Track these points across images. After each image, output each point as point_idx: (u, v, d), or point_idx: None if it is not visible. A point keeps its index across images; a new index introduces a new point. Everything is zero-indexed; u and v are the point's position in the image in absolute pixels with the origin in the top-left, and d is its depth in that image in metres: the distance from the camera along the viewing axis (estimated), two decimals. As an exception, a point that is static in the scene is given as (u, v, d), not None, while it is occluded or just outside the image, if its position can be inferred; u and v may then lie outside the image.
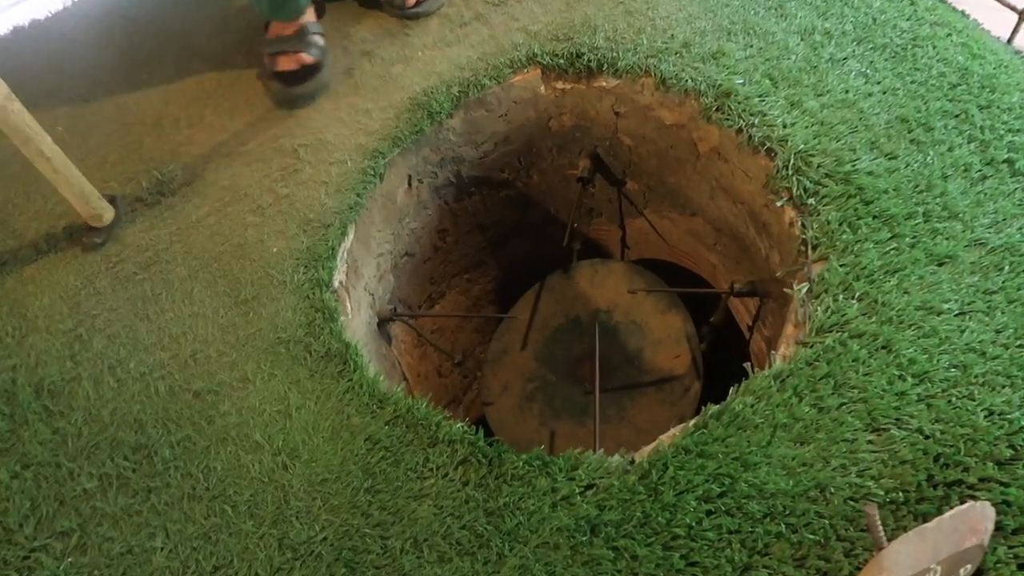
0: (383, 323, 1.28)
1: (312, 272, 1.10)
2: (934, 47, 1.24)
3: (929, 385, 0.90)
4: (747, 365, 0.97)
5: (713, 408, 0.93)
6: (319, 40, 1.34)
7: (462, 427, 0.94)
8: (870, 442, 0.87)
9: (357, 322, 1.16)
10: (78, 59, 1.45)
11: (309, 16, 1.35)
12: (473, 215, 1.50)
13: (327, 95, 1.32)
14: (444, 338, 1.63)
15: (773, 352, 0.98)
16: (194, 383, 1.01)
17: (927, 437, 0.87)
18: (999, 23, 1.38)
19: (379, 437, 0.94)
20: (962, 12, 1.35)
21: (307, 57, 1.30)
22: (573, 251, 1.42)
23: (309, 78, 1.30)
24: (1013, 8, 1.39)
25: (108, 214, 1.15)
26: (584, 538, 0.84)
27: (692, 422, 0.93)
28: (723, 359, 1.53)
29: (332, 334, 1.03)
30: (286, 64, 1.30)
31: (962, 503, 0.83)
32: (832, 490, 0.84)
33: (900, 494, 0.83)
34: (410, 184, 1.31)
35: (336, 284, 1.11)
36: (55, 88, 1.40)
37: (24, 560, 0.89)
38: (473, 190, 1.45)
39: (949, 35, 1.26)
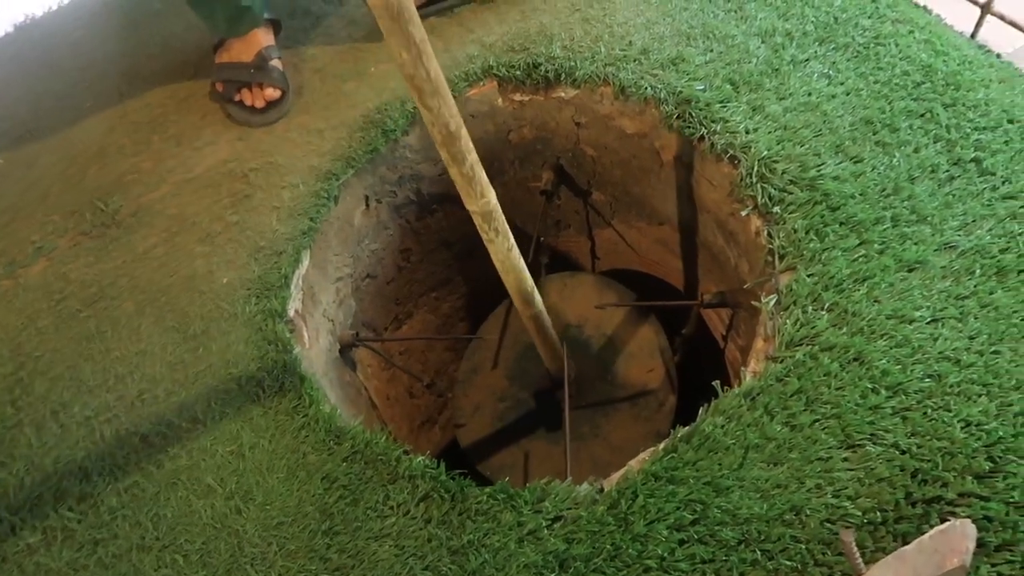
0: (345, 349, 1.23)
1: (264, 302, 1.05)
2: (896, 45, 1.22)
3: (904, 397, 0.87)
4: (716, 383, 0.94)
5: (682, 431, 0.89)
6: (279, 66, 1.29)
7: (423, 461, 0.90)
8: (845, 460, 0.84)
9: (315, 351, 1.12)
10: (20, 85, 1.40)
11: (266, 37, 1.30)
12: (437, 232, 1.47)
13: (282, 117, 1.28)
14: (414, 359, 1.59)
15: (743, 369, 0.95)
16: (141, 426, 0.96)
17: (903, 452, 0.84)
18: (962, 17, 1.36)
19: (336, 475, 0.90)
20: (924, 8, 1.32)
21: (272, 92, 1.25)
22: (541, 265, 1.38)
23: (272, 110, 1.26)
24: (975, 2, 1.37)
25: None
26: (552, 574, 0.80)
27: (661, 446, 0.89)
28: (697, 370, 1.50)
29: (286, 368, 0.99)
30: (249, 99, 1.25)
31: (942, 521, 0.80)
32: (808, 512, 0.81)
33: (878, 514, 0.80)
34: (367, 205, 1.27)
35: (291, 313, 1.07)
36: (-4, 118, 1.35)
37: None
38: (435, 207, 1.41)
39: (911, 32, 1.24)
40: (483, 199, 0.78)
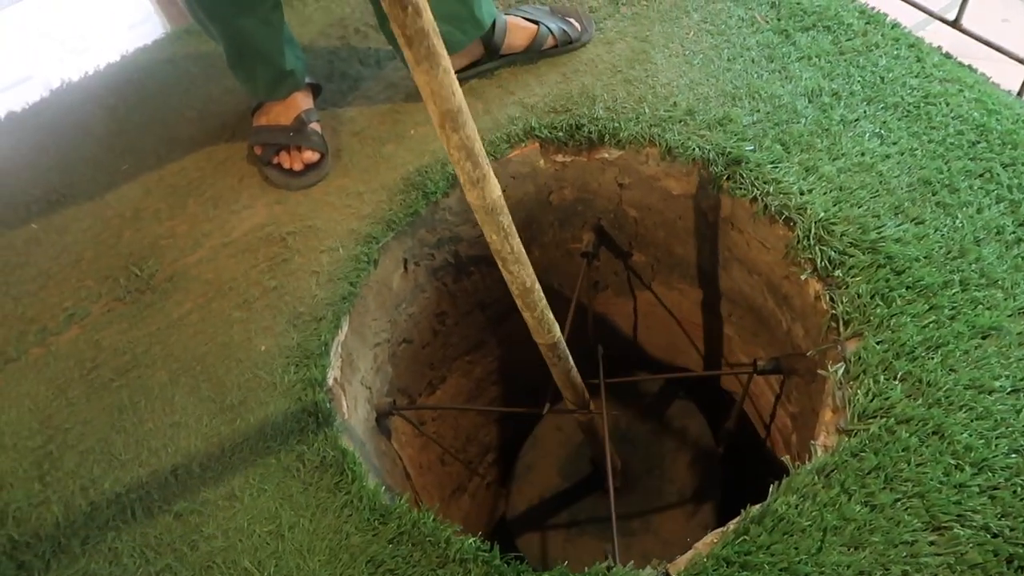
0: (382, 417, 1.18)
1: (304, 371, 1.01)
2: (947, 104, 1.19)
3: (990, 474, 0.82)
4: (786, 459, 0.88)
5: (753, 511, 0.84)
6: (318, 129, 1.27)
7: (475, 543, 0.84)
8: (932, 543, 0.78)
9: (354, 420, 1.07)
10: (55, 152, 1.39)
11: (305, 100, 1.29)
12: (472, 294, 1.43)
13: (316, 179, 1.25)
14: (446, 424, 1.54)
15: (813, 443, 0.89)
16: (175, 503, 0.91)
17: (995, 536, 0.78)
18: (1007, 76, 1.34)
19: (382, 558, 0.84)
20: (969, 67, 1.30)
21: (312, 155, 1.23)
22: (599, 356, 1.34)
23: (311, 172, 1.24)
24: (1021, 60, 1.35)
25: None
26: (620, 673, 0.74)
27: (731, 527, 0.83)
28: (738, 463, 1.49)
29: (327, 440, 0.94)
30: (288, 162, 1.23)
31: (1045, 613, 0.74)
32: (896, 603, 0.75)
33: (973, 605, 0.74)
34: (406, 268, 1.24)
35: (330, 382, 1.02)
36: (30, 183, 1.33)
37: None
38: (472, 269, 1.38)
39: (961, 91, 1.21)
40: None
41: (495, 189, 0.69)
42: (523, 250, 0.78)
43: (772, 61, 1.29)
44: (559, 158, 1.27)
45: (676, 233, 1.30)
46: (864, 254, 1.01)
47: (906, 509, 0.81)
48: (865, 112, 1.19)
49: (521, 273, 0.79)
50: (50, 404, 1.03)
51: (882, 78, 1.25)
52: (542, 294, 0.85)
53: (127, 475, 0.94)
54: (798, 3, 1.37)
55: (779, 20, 1.35)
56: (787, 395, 1.28)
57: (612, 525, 1.06)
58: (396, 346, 1.27)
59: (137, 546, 0.88)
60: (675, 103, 1.24)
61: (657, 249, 1.38)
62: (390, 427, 1.25)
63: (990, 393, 0.87)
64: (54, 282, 1.17)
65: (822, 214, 1.05)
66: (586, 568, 0.83)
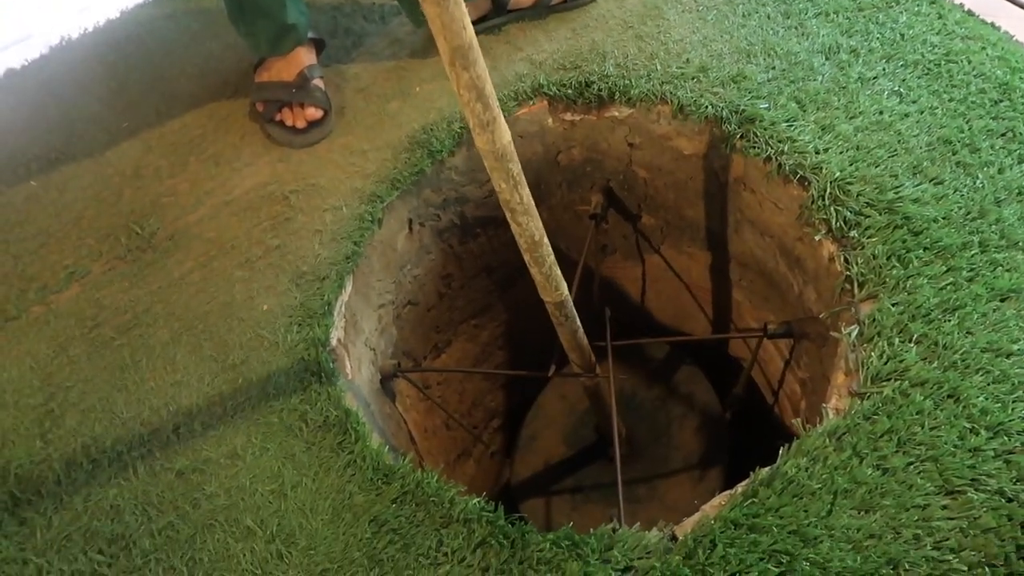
0: (386, 380, 1.17)
1: (307, 331, 0.99)
2: (969, 62, 1.15)
3: (1006, 439, 0.80)
4: (796, 422, 0.86)
5: (762, 473, 0.82)
6: (321, 85, 1.25)
7: (479, 503, 0.83)
8: (945, 507, 0.77)
9: (359, 381, 1.06)
10: (54, 109, 1.37)
11: (308, 56, 1.26)
12: (479, 257, 1.41)
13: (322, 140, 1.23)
14: (451, 389, 1.53)
15: (825, 406, 0.87)
16: (177, 461, 0.90)
17: (1010, 500, 0.76)
18: (1032, 34, 1.29)
19: (386, 518, 0.83)
20: (992, 24, 1.26)
21: (314, 112, 1.21)
22: (606, 319, 1.32)
23: (314, 130, 1.21)
24: (1047, 18, 1.31)
25: None
26: (625, 633, 0.73)
27: (739, 489, 0.82)
28: (746, 430, 1.48)
29: (330, 400, 0.93)
30: (290, 119, 1.21)
31: (1061, 579, 0.72)
32: (907, 566, 0.73)
33: (986, 569, 0.72)
34: (411, 228, 1.22)
35: (334, 342, 1.01)
36: (30, 141, 1.31)
37: None
38: (478, 231, 1.36)
39: (983, 48, 1.17)
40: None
41: (505, 134, 0.66)
42: (532, 201, 0.75)
43: (788, 17, 1.25)
44: (568, 116, 1.24)
45: (687, 195, 1.27)
46: (881, 214, 0.98)
47: (919, 473, 0.79)
48: (884, 70, 1.15)
49: (530, 225, 0.77)
50: (51, 362, 1.02)
51: (902, 35, 1.21)
52: (551, 249, 0.83)
53: (128, 433, 0.94)
54: (816, -43, 1.33)
55: (796, -25, 1.31)
56: (797, 360, 1.26)
57: (618, 491, 1.05)
58: (401, 308, 1.26)
59: (139, 503, 0.87)
60: (688, 60, 1.20)
61: (667, 211, 1.35)
62: (395, 390, 1.24)
63: (1008, 356, 0.85)
64: (54, 240, 1.16)
65: (838, 173, 1.02)
66: (591, 530, 0.82)
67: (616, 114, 1.21)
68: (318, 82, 1.24)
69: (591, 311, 1.45)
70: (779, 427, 1.41)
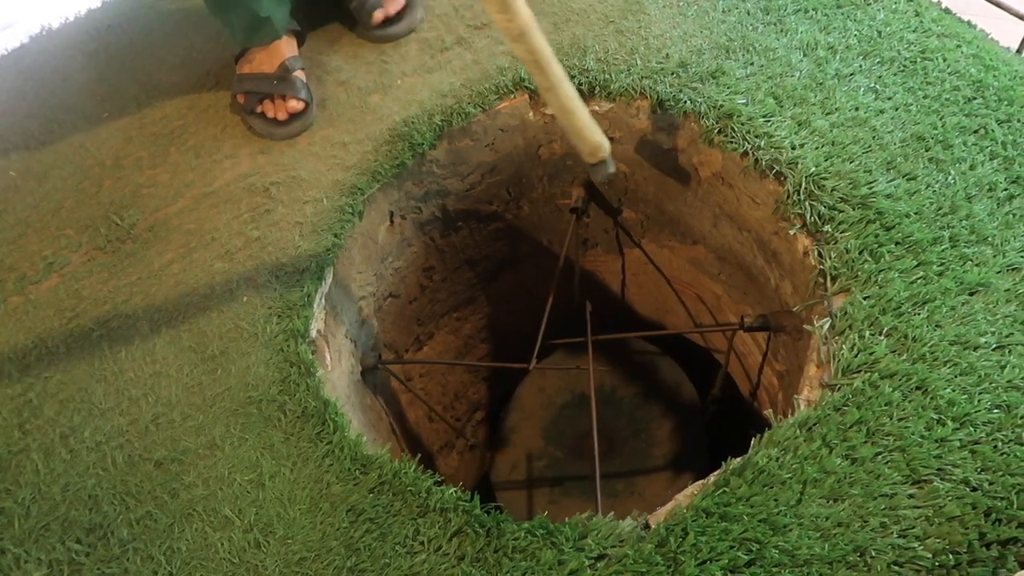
0: (367, 372, 1.18)
1: (286, 322, 1.00)
2: (944, 59, 1.17)
3: (972, 429, 0.81)
4: (769, 412, 0.88)
5: (734, 463, 0.83)
6: (302, 77, 1.25)
7: (455, 493, 0.84)
8: (911, 496, 0.78)
9: (338, 373, 1.07)
10: (34, 98, 1.36)
11: (289, 48, 1.26)
12: (461, 250, 1.41)
13: (300, 128, 1.23)
14: (434, 381, 1.53)
15: (797, 396, 0.89)
16: (155, 451, 0.91)
17: (974, 489, 0.78)
18: (1006, 33, 1.31)
19: (363, 507, 0.84)
20: (969, 23, 1.28)
21: (296, 104, 1.21)
22: (586, 313, 1.32)
23: (296, 122, 1.21)
24: (1021, 17, 1.32)
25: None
26: (597, 620, 0.74)
27: (711, 479, 0.83)
28: (725, 425, 1.50)
29: (309, 391, 0.93)
30: (272, 111, 1.21)
31: (1021, 565, 0.74)
32: (873, 554, 0.75)
33: (950, 556, 0.74)
34: (392, 221, 1.22)
35: (314, 333, 1.01)
36: (8, 130, 1.31)
37: (-39, 665, 0.78)
38: (460, 224, 1.36)
39: (959, 47, 1.19)
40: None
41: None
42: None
43: (768, 13, 1.27)
44: (549, 110, 1.25)
45: (667, 189, 1.29)
46: (854, 209, 0.99)
47: (887, 463, 0.81)
48: (860, 66, 1.17)
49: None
50: (29, 353, 1.02)
51: (879, 32, 1.22)
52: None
53: (107, 424, 0.94)
54: (796, -46, 1.34)
55: (776, -29, 1.32)
56: (774, 353, 1.27)
57: (596, 482, 1.06)
58: (382, 300, 1.26)
59: (117, 493, 0.88)
60: (668, 55, 1.21)
61: (647, 205, 1.36)
62: (376, 382, 1.25)
63: (975, 349, 0.87)
64: (33, 230, 1.16)
65: (813, 169, 1.04)
66: (567, 519, 0.83)
67: (596, 108, 1.22)
68: (299, 74, 1.24)
69: (571, 307, 1.46)
70: (757, 420, 1.43)
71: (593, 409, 1.15)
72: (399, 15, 1.31)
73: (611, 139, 1.25)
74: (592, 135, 1.02)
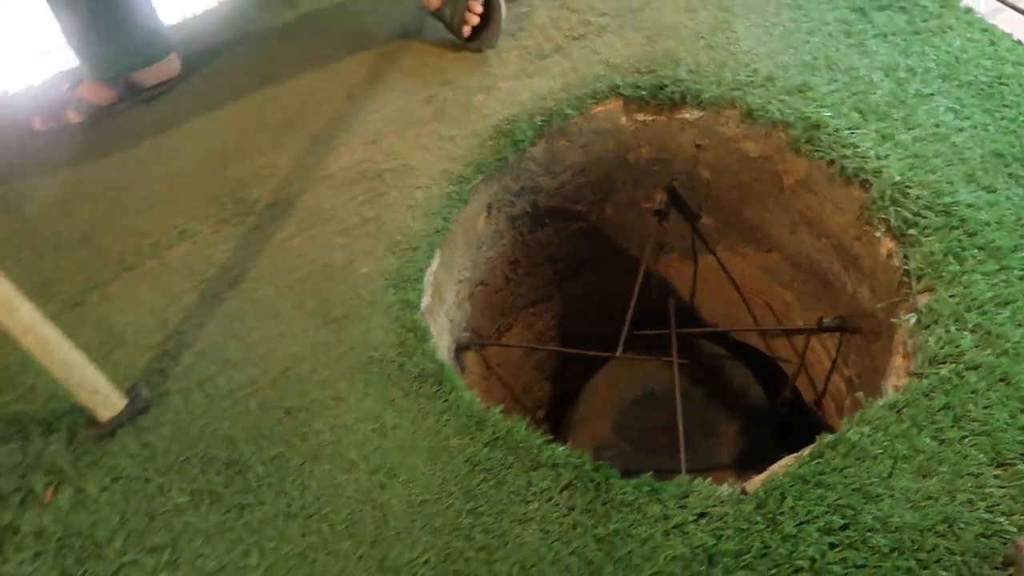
0: (460, 350, 1.25)
1: (402, 293, 1.08)
2: (1020, 85, 1.23)
3: (1053, 419, 0.87)
4: (860, 395, 0.94)
5: (828, 437, 0.90)
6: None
7: (566, 450, 0.91)
8: (997, 477, 0.84)
9: (441, 347, 1.14)
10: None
11: None
12: (545, 247, 1.49)
13: (409, 122, 1.32)
14: (507, 372, 1.60)
15: (884, 382, 0.95)
16: (286, 400, 0.99)
17: (1057, 472, 0.83)
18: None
19: (479, 459, 0.91)
20: (1041, 54, 1.35)
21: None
22: (670, 308, 1.39)
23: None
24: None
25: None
26: (701, 568, 0.80)
27: (806, 452, 0.89)
28: (792, 431, 1.55)
29: (425, 355, 1.01)
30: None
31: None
32: (961, 526, 0.80)
33: (1034, 531, 0.79)
34: (489, 212, 1.31)
35: (424, 306, 1.09)
36: (142, 111, 1.42)
37: (114, 575, 0.86)
38: (547, 221, 1.44)
39: (1034, 74, 1.26)
40: None
41: None
42: None
43: (849, 36, 1.34)
44: (641, 116, 1.33)
45: (749, 196, 1.36)
46: (937, 216, 1.06)
47: (973, 445, 0.86)
48: (940, 88, 1.24)
49: None
50: (165, 309, 1.11)
51: (956, 58, 1.29)
52: None
53: (240, 374, 1.02)
54: (876, -17, 1.43)
55: (856, -1, 1.41)
56: (844, 359, 1.33)
57: (680, 458, 1.12)
58: (475, 286, 1.34)
59: (251, 435, 0.96)
60: (755, 69, 1.29)
61: (727, 212, 1.44)
62: (462, 365, 1.32)
63: (1055, 347, 0.92)
64: (164, 202, 1.26)
65: (898, 178, 1.11)
66: (667, 481, 0.89)
67: (687, 116, 1.30)
68: None
69: (651, 305, 1.53)
70: (823, 426, 1.48)
71: (678, 396, 1.21)
72: (480, 27, 1.45)
73: (698, 146, 1.34)
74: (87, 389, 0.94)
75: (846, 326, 1.21)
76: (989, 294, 0.97)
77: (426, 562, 0.83)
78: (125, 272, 1.16)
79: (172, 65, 1.49)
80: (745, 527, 0.83)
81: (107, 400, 0.97)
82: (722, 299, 1.63)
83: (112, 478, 0.94)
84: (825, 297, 1.35)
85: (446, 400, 0.97)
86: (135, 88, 1.46)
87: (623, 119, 1.34)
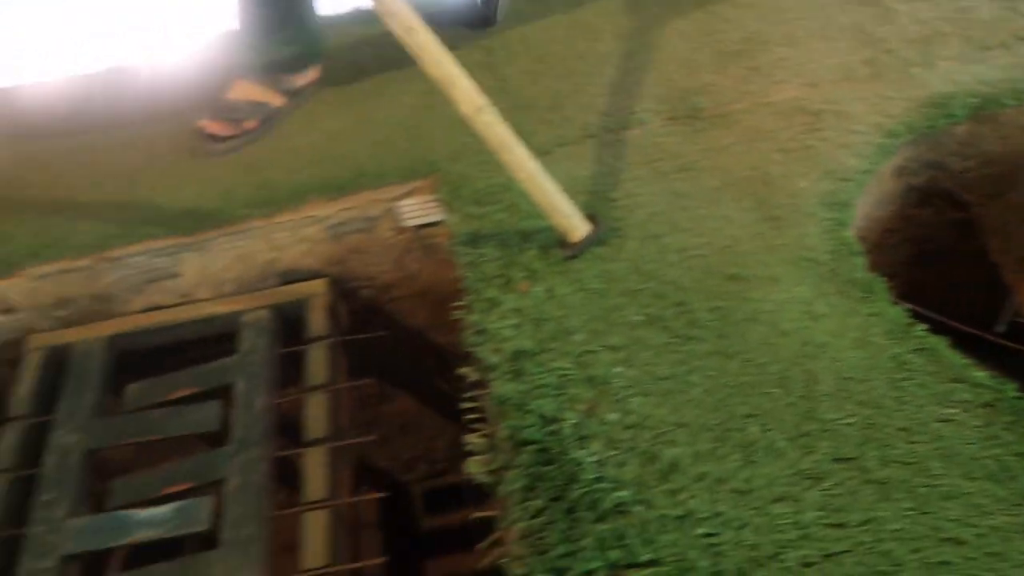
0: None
1: (835, 212, 1.21)
2: None
3: None
4: None
5: None
6: None
7: (989, 375, 1.00)
8: None
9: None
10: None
11: None
12: (917, 226, 1.56)
13: (848, 77, 1.44)
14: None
15: None
16: (728, 268, 1.15)
17: None
18: None
19: (905, 358, 1.02)
20: None
21: None
22: None
23: None
24: None
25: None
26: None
27: None
28: None
29: (856, 267, 1.13)
30: None
31: None
32: None
33: None
34: (900, 174, 1.40)
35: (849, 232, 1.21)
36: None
37: (578, 356, 1.06)
38: (934, 201, 1.51)
39: None
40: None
41: None
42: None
43: None
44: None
45: None
46: None
47: None
48: None
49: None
50: (621, 173, 1.32)
51: None
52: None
53: (686, 239, 1.20)
54: None
55: None
56: None
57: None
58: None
59: (696, 287, 1.13)
60: None
61: None
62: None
63: None
64: (620, 92, 1.47)
65: None
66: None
67: None
68: None
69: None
70: None
71: None
72: None
73: None
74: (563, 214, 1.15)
75: None
76: None
77: (850, 424, 0.96)
78: (587, 138, 1.38)
79: (318, 68, 1.56)
80: None
81: (577, 227, 1.18)
82: None
83: (579, 288, 1.15)
84: None
85: (874, 304, 1.09)
86: (288, 88, 1.51)
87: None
